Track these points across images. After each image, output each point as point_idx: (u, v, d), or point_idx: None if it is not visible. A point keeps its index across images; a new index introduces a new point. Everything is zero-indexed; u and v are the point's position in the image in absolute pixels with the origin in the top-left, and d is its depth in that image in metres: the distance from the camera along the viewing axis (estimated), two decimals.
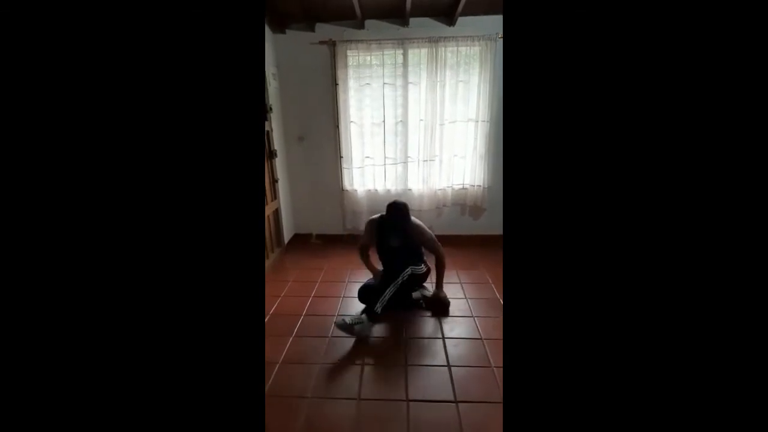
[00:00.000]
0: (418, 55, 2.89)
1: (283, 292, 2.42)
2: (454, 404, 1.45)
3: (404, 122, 2.98)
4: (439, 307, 2.12)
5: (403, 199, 2.26)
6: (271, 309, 2.21)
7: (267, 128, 2.75)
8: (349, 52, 2.89)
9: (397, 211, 2.07)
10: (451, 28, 2.82)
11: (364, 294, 2.13)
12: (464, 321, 2.03)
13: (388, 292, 1.99)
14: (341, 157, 3.13)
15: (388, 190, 3.20)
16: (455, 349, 1.79)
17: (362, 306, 2.11)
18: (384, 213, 2.15)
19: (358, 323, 1.84)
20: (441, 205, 3.22)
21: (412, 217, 2.14)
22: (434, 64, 2.83)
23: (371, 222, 2.23)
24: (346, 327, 1.81)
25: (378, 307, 1.94)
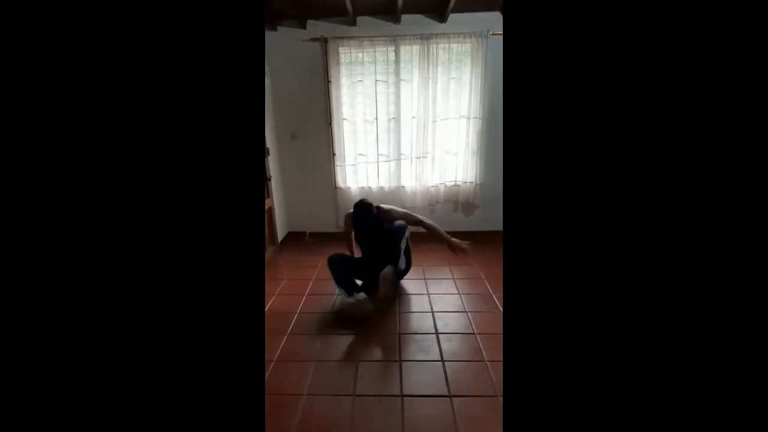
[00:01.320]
0: (410, 52, 2.89)
1: (278, 291, 2.42)
2: (448, 399, 1.47)
3: (397, 119, 2.99)
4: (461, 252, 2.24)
5: (368, 199, 2.40)
6: (266, 307, 2.21)
7: None
8: (341, 49, 2.88)
9: (360, 210, 2.30)
10: (443, 24, 2.83)
11: (342, 269, 2.25)
12: (457, 316, 2.05)
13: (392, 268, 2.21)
14: (334, 154, 3.13)
15: (382, 187, 3.20)
16: (449, 344, 1.81)
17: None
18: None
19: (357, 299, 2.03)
20: (434, 202, 3.24)
21: (380, 205, 2.33)
22: (426, 61, 2.84)
23: (347, 216, 2.43)
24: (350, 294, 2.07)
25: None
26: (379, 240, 2.28)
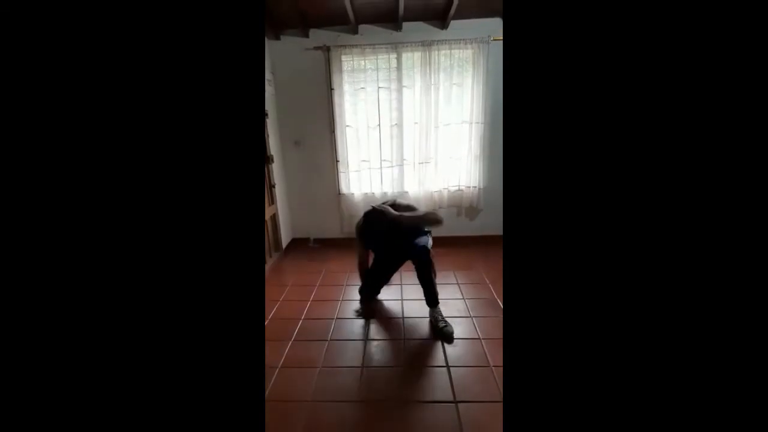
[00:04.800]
0: (412, 58, 2.92)
1: (282, 297, 2.42)
2: (453, 404, 1.46)
3: (399, 125, 3.01)
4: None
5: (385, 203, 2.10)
6: (270, 313, 2.22)
7: None
8: (343, 57, 2.92)
9: (374, 222, 2.00)
10: (444, 31, 2.85)
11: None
12: (462, 321, 2.05)
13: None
14: (337, 161, 3.15)
15: (385, 193, 3.21)
16: (454, 350, 1.81)
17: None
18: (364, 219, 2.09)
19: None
20: (437, 207, 3.24)
21: (391, 212, 1.99)
22: (428, 68, 2.86)
23: (358, 229, 2.15)
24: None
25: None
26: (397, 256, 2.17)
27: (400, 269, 2.22)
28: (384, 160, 3.12)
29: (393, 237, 2.01)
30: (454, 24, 2.81)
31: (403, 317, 2.13)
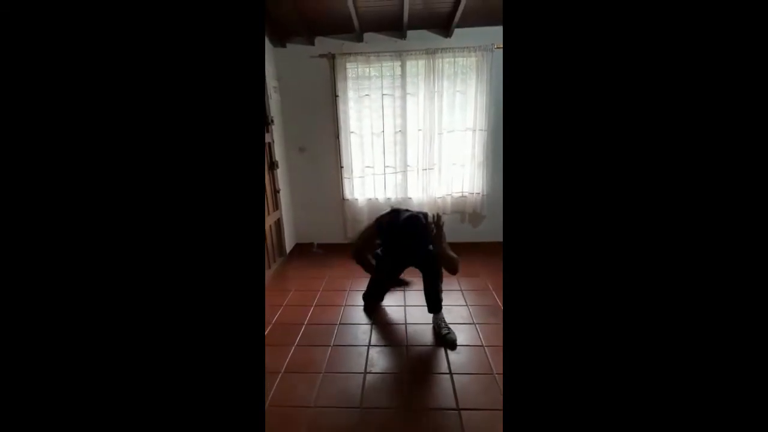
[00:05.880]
0: (416, 66, 2.94)
1: (285, 302, 2.43)
2: (456, 412, 1.46)
3: (403, 132, 3.03)
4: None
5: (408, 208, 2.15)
6: (273, 318, 2.22)
7: (268, 140, 2.79)
8: (348, 65, 2.95)
9: (412, 229, 1.95)
10: (448, 39, 2.88)
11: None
12: (465, 328, 2.04)
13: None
14: (342, 166, 3.17)
15: (389, 199, 3.23)
16: (457, 357, 1.80)
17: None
18: (390, 214, 2.09)
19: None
20: (441, 213, 3.24)
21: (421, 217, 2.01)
22: (432, 75, 2.88)
23: (374, 227, 2.13)
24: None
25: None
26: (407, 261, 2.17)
27: (404, 273, 2.23)
28: (388, 167, 3.14)
29: (405, 240, 1.98)
30: (458, 32, 2.83)
31: (406, 323, 2.12)
